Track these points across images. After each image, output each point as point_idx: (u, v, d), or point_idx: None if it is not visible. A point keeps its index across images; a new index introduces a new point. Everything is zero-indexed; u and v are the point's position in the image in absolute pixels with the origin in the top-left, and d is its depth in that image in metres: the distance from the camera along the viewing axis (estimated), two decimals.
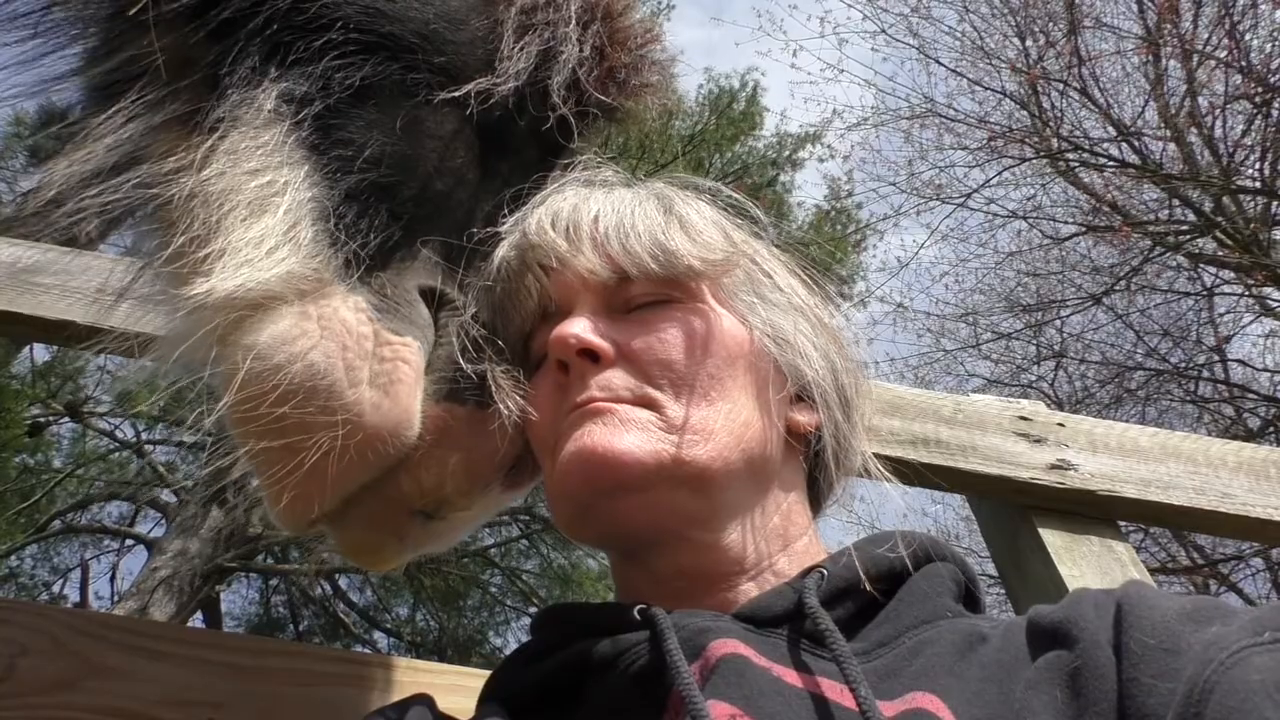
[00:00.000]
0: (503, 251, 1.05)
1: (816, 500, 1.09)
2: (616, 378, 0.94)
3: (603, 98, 1.14)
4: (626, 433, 0.90)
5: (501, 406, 0.97)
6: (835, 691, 0.78)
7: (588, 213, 1.02)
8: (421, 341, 0.95)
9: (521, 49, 1.06)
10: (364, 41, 0.98)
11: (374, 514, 0.96)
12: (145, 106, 0.94)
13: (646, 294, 1.00)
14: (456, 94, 1.01)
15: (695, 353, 0.96)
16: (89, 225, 0.97)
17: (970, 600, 0.98)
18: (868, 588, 0.88)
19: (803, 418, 1.05)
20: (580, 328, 0.95)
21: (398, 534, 0.99)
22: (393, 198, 0.98)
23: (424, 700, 0.99)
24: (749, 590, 0.93)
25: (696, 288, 1.01)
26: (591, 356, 0.95)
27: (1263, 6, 11.12)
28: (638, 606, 0.88)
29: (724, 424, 0.93)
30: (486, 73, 1.06)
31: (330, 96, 0.96)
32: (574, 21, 1.11)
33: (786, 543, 0.98)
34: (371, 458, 0.89)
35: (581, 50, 1.11)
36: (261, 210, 0.89)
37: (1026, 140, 13.04)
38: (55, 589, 13.10)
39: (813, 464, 1.08)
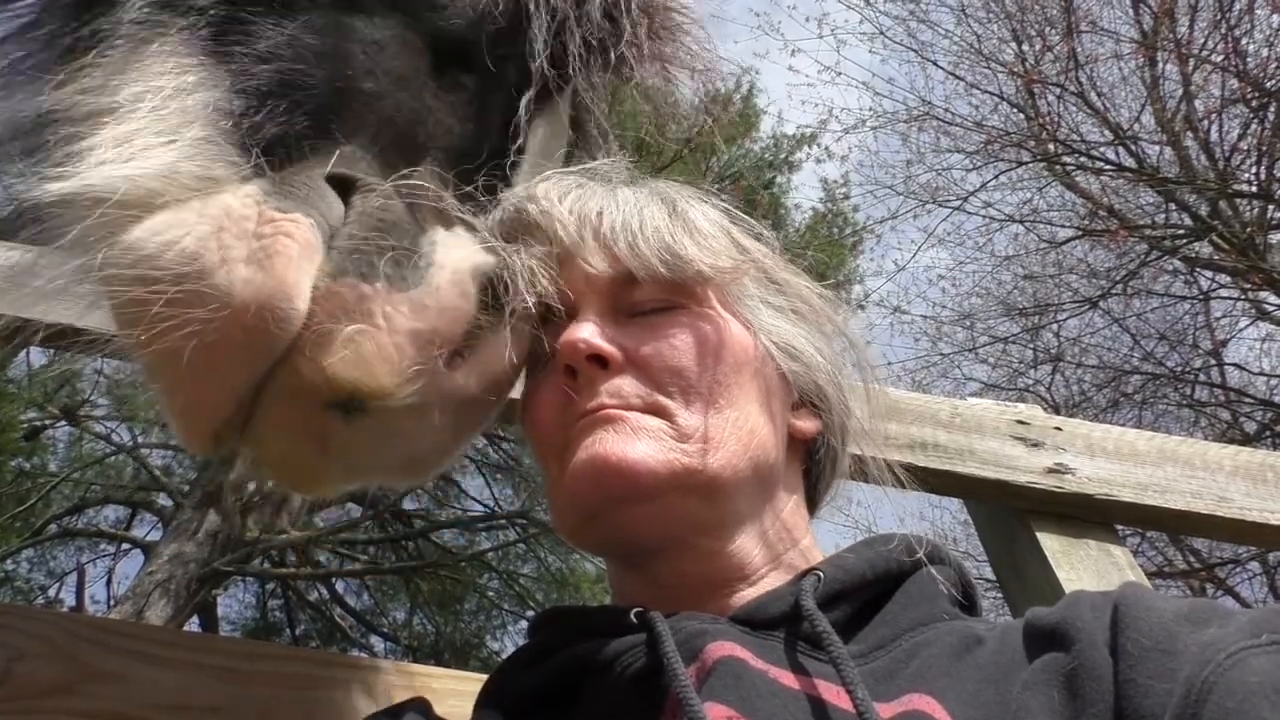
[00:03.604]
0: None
1: (813, 502, 1.10)
2: (627, 385, 0.93)
3: (597, 43, 1.07)
4: (639, 441, 0.89)
5: (522, 298, 0.91)
6: (832, 693, 0.78)
7: (593, 209, 1.01)
8: (316, 219, 0.84)
9: None
10: None
11: (282, 416, 0.84)
12: (51, 41, 0.91)
13: (653, 299, 0.99)
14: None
15: (705, 360, 0.95)
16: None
17: (967, 604, 0.98)
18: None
19: (804, 424, 1.05)
20: (588, 332, 0.94)
21: (317, 438, 0.86)
22: (301, 91, 0.90)
23: (420, 705, 0.99)
24: (748, 595, 0.93)
25: (703, 293, 1.00)
26: (600, 362, 0.94)
27: (1259, 10, 11.16)
28: (635, 609, 0.89)
29: (732, 432, 0.93)
30: None
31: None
32: None
33: (787, 547, 0.98)
34: (250, 340, 0.78)
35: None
36: (146, 112, 0.83)
37: (1023, 144, 13.08)
38: (51, 593, 13.09)
39: (812, 468, 1.08)
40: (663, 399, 0.93)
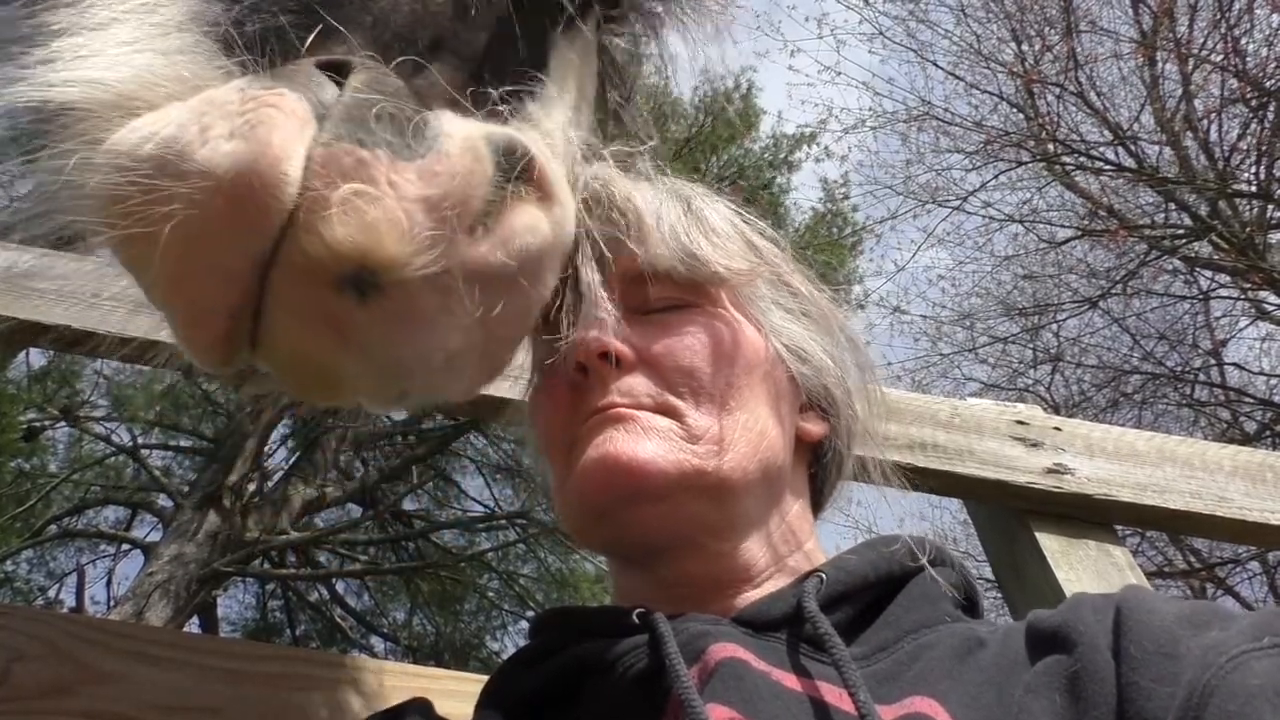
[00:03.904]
0: None
1: (817, 505, 1.09)
2: (638, 384, 0.93)
3: None
4: (649, 441, 0.89)
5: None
6: (834, 695, 0.77)
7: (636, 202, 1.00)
8: (304, 95, 0.77)
9: None
10: None
11: (290, 303, 0.75)
12: None
13: (666, 298, 0.98)
14: None
15: (717, 361, 0.95)
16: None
17: (969, 605, 0.98)
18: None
19: (811, 427, 1.05)
20: (601, 329, 0.94)
21: (333, 327, 0.76)
22: None
23: (421, 705, 0.99)
24: (751, 596, 0.93)
25: (716, 293, 1.00)
26: (612, 360, 0.93)
27: (1259, 10, 11.17)
28: (637, 610, 0.88)
29: (742, 434, 0.93)
30: None
31: None
32: None
33: (792, 549, 0.98)
34: (238, 210, 0.71)
35: None
36: (119, 21, 0.80)
37: (1023, 144, 13.08)
38: (51, 594, 13.10)
39: (818, 472, 1.08)
40: (674, 399, 0.92)
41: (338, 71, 0.80)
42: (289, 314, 0.76)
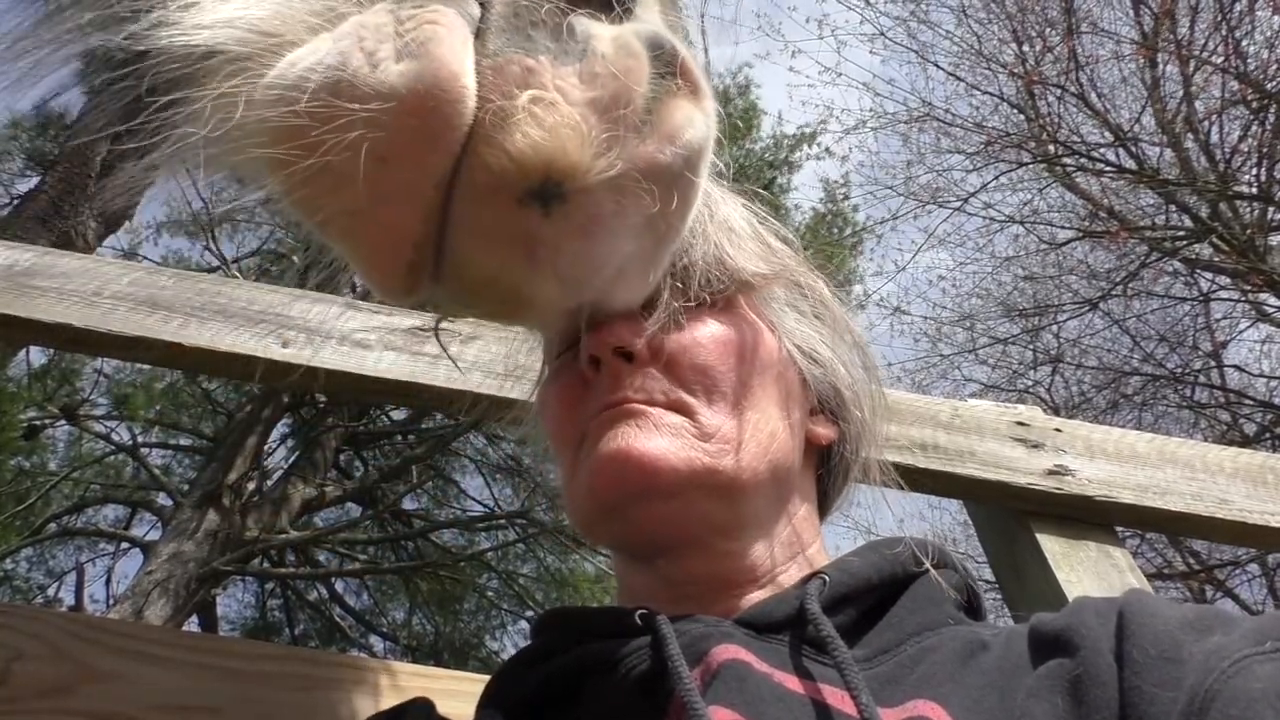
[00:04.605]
0: None
1: (823, 508, 1.09)
2: (651, 380, 0.93)
3: None
4: (660, 437, 0.89)
5: None
6: (836, 698, 0.77)
7: None
8: (459, 10, 0.75)
9: None
10: None
11: (478, 224, 0.74)
12: None
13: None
14: None
15: (731, 360, 0.94)
16: None
17: (971, 608, 0.98)
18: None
19: (821, 430, 1.05)
20: (616, 324, 0.93)
21: (521, 244, 0.75)
22: None
23: (422, 705, 0.98)
24: (755, 598, 0.93)
25: (733, 294, 1.00)
26: (626, 356, 0.93)
27: (1260, 11, 11.17)
28: (639, 611, 0.88)
29: (752, 434, 0.92)
30: None
31: None
32: None
33: (797, 552, 0.98)
34: (426, 126, 0.70)
35: None
36: None
37: (1024, 145, 13.09)
38: (50, 592, 13.09)
39: (825, 475, 1.08)
40: (686, 397, 0.92)
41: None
42: (474, 237, 0.75)
